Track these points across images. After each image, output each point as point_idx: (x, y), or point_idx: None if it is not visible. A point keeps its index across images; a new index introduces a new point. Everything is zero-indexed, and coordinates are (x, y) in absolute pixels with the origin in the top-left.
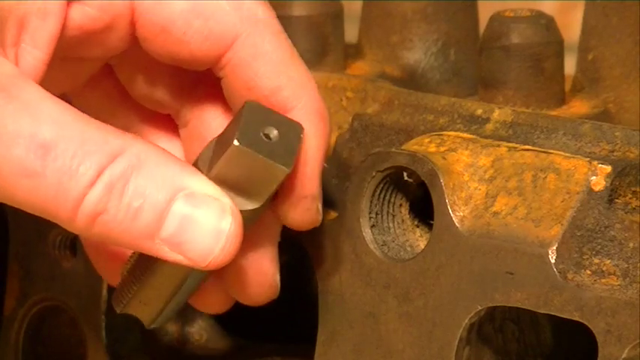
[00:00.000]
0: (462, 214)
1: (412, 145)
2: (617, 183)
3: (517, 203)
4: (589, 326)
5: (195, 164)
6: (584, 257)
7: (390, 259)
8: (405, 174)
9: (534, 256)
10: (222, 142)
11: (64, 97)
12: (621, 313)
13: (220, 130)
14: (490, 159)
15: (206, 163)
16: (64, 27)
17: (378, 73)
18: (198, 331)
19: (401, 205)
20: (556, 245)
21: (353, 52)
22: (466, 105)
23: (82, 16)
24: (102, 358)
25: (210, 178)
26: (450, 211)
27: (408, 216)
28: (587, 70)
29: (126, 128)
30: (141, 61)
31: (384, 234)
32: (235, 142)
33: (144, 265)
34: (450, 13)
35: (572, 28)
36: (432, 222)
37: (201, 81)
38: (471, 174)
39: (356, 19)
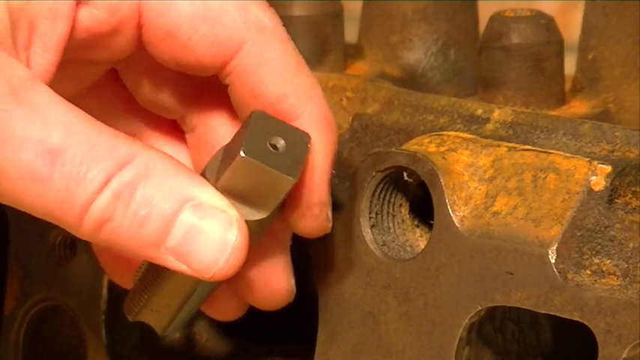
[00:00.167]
0: (462, 214)
1: (412, 145)
2: (617, 183)
3: (517, 203)
4: (589, 326)
5: (203, 174)
6: (584, 257)
7: (390, 259)
8: (405, 174)
9: (534, 256)
10: (229, 151)
11: (70, 101)
12: (621, 313)
13: (227, 138)
14: (490, 159)
15: (213, 173)
16: (72, 29)
17: (378, 73)
18: (198, 331)
19: (401, 205)
20: (556, 245)
21: (353, 52)
22: (466, 105)
23: (90, 18)
24: (102, 358)
25: (218, 189)
26: (450, 211)
27: (408, 216)
28: (587, 70)
29: (131, 134)
30: (147, 66)
31: (384, 234)
32: (242, 154)
33: (154, 273)
34: (450, 13)
35: (572, 28)
36: (432, 222)
37: (208, 87)
38: (471, 174)
39: (356, 19)
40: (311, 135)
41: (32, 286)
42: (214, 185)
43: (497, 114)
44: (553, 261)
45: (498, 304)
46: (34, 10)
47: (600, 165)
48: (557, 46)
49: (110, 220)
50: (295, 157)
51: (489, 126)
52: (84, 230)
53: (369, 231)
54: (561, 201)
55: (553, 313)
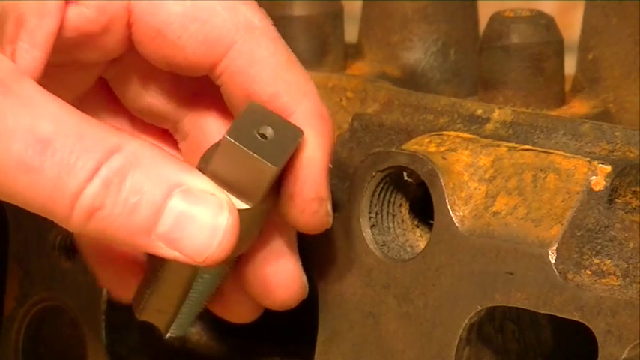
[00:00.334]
0: (462, 214)
1: (412, 145)
2: (617, 183)
3: (517, 203)
4: (589, 326)
5: (198, 165)
6: (584, 257)
7: (390, 259)
8: (405, 174)
9: (534, 256)
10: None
11: None
12: (621, 313)
13: None
14: (490, 159)
15: (205, 161)
16: (61, 27)
17: (378, 73)
18: (198, 332)
19: (401, 205)
20: (556, 245)
21: (353, 52)
22: (466, 105)
23: (79, 17)
24: (102, 358)
25: (207, 175)
26: (450, 211)
27: (408, 216)
28: (587, 70)
29: None
30: (138, 71)
31: (384, 234)
32: (226, 136)
33: (152, 268)
34: (450, 13)
35: (572, 28)
36: (432, 222)
37: (201, 90)
38: (470, 174)
39: (356, 19)
40: (306, 131)
41: (32, 286)
42: (204, 172)
43: (497, 114)
44: (553, 261)
45: (498, 304)
46: (23, 7)
47: (600, 165)
48: (557, 46)
49: (101, 208)
50: (282, 147)
51: (489, 126)
52: (74, 220)
53: (369, 231)
54: (561, 201)
55: (553, 313)
